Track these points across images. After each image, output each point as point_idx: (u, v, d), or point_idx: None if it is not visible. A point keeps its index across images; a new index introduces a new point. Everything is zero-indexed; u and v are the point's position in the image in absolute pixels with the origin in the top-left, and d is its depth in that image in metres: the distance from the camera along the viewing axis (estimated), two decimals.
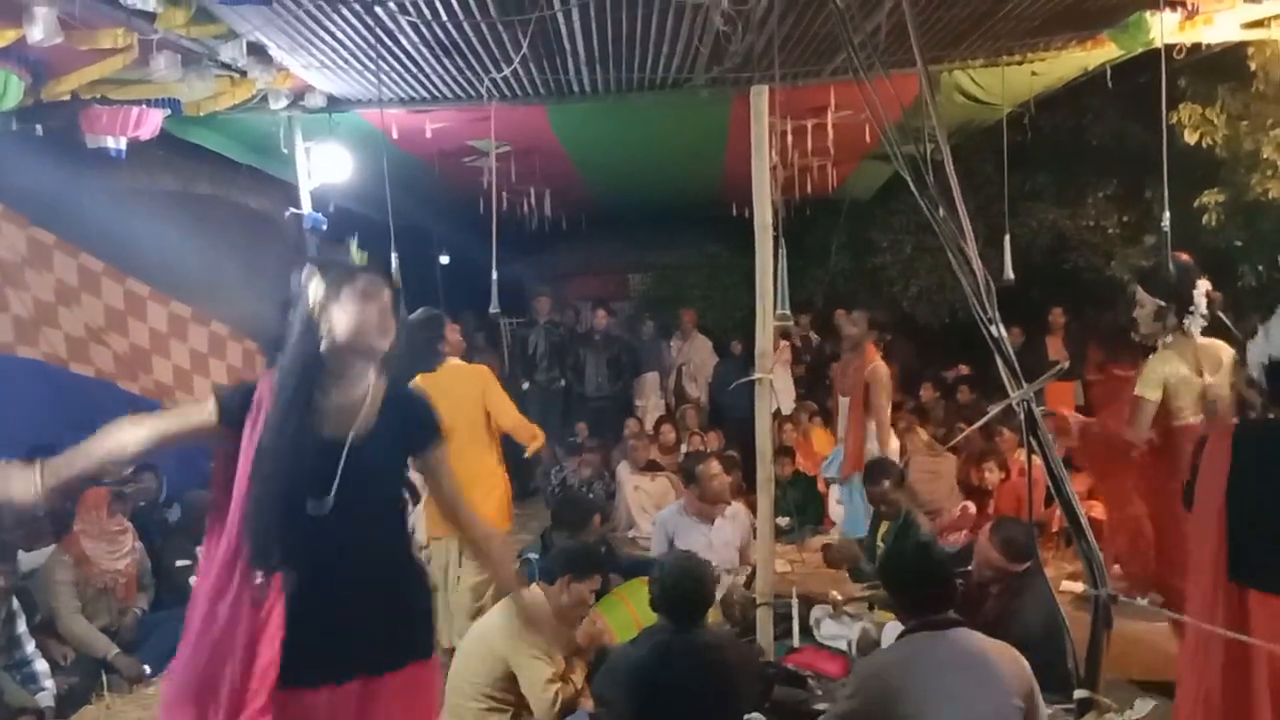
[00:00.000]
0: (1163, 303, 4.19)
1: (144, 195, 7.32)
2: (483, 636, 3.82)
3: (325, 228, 6.29)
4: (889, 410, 6.31)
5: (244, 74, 5.56)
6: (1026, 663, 2.97)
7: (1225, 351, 4.10)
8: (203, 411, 2.37)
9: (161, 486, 6.59)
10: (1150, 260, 7.58)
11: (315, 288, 2.34)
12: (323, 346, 2.32)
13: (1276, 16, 5.57)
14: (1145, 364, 4.24)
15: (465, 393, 4.98)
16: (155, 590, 5.83)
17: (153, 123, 5.70)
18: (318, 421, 2.32)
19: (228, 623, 2.28)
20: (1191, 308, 4.13)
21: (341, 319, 2.31)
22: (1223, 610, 2.67)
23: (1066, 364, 3.95)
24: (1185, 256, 4.38)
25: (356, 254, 2.44)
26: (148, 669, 5.28)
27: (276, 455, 2.24)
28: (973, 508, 6.69)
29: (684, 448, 8.46)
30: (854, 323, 6.32)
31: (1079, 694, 1.90)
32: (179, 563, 5.83)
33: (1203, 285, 4.12)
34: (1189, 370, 4.11)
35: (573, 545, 4.35)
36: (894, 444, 6.36)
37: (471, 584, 4.94)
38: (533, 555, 5.50)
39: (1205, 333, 4.16)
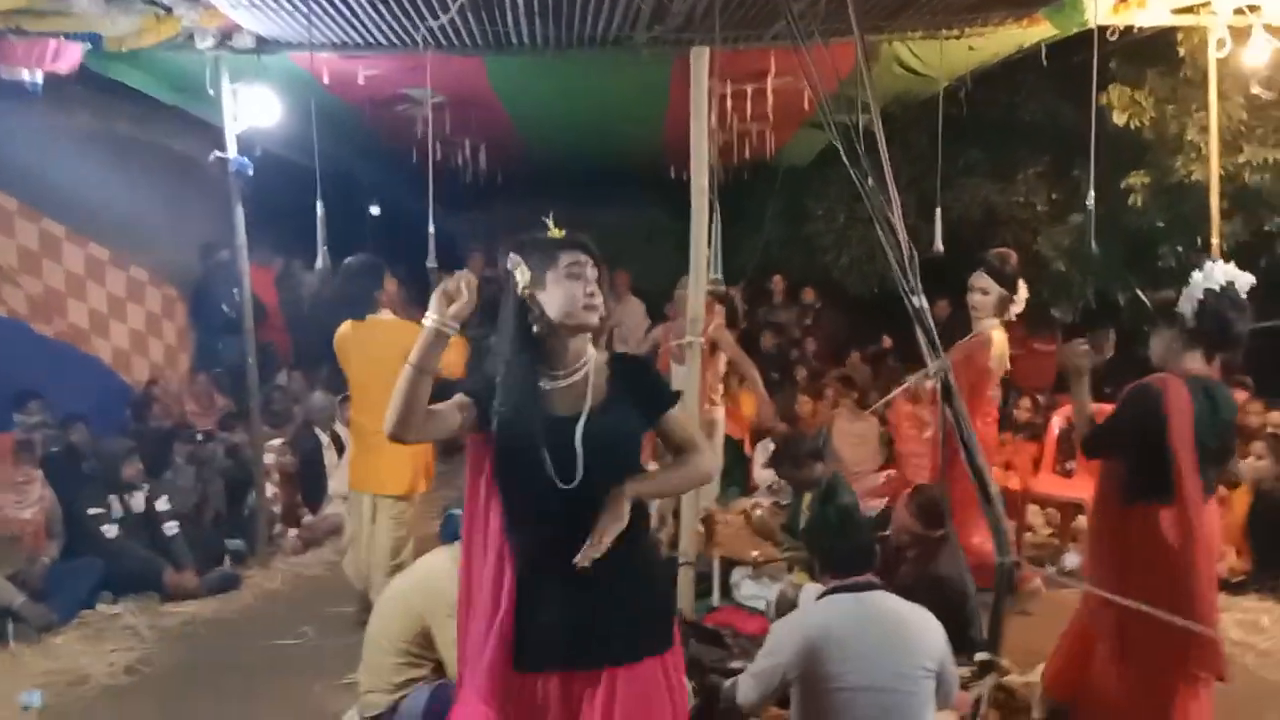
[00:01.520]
0: (1005, 292, 4.93)
1: (61, 132, 7.07)
2: (401, 593, 3.79)
3: (251, 173, 6.11)
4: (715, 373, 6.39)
5: (169, 10, 5.37)
6: (940, 626, 3.05)
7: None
8: (466, 417, 2.35)
9: (87, 437, 6.45)
10: (1073, 238, 7.76)
11: (521, 271, 2.31)
12: (535, 329, 2.31)
13: (1205, 3, 5.69)
14: (994, 343, 4.88)
15: (389, 349, 4.87)
16: (66, 538, 5.70)
17: (71, 57, 5.47)
18: (549, 403, 2.31)
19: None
20: (1016, 297, 4.94)
21: (551, 301, 2.30)
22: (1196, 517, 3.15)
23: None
24: (1015, 255, 5.15)
25: (555, 230, 2.40)
26: (55, 618, 5.19)
27: (516, 442, 2.24)
28: (896, 475, 6.81)
29: None
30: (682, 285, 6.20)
31: (980, 656, 1.95)
32: (91, 511, 5.69)
33: (1022, 282, 4.98)
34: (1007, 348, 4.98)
35: None
36: (720, 410, 6.34)
37: (389, 541, 4.91)
38: (456, 511, 5.46)
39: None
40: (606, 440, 2.29)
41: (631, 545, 2.29)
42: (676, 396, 2.47)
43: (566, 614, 2.27)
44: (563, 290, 2.28)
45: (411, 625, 3.69)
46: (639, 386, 2.42)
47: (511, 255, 2.35)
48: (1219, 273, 3.23)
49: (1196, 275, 3.26)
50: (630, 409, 2.38)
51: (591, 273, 2.34)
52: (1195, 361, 3.28)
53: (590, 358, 2.38)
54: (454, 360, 4.65)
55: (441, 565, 3.76)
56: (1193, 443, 3.16)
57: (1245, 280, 3.25)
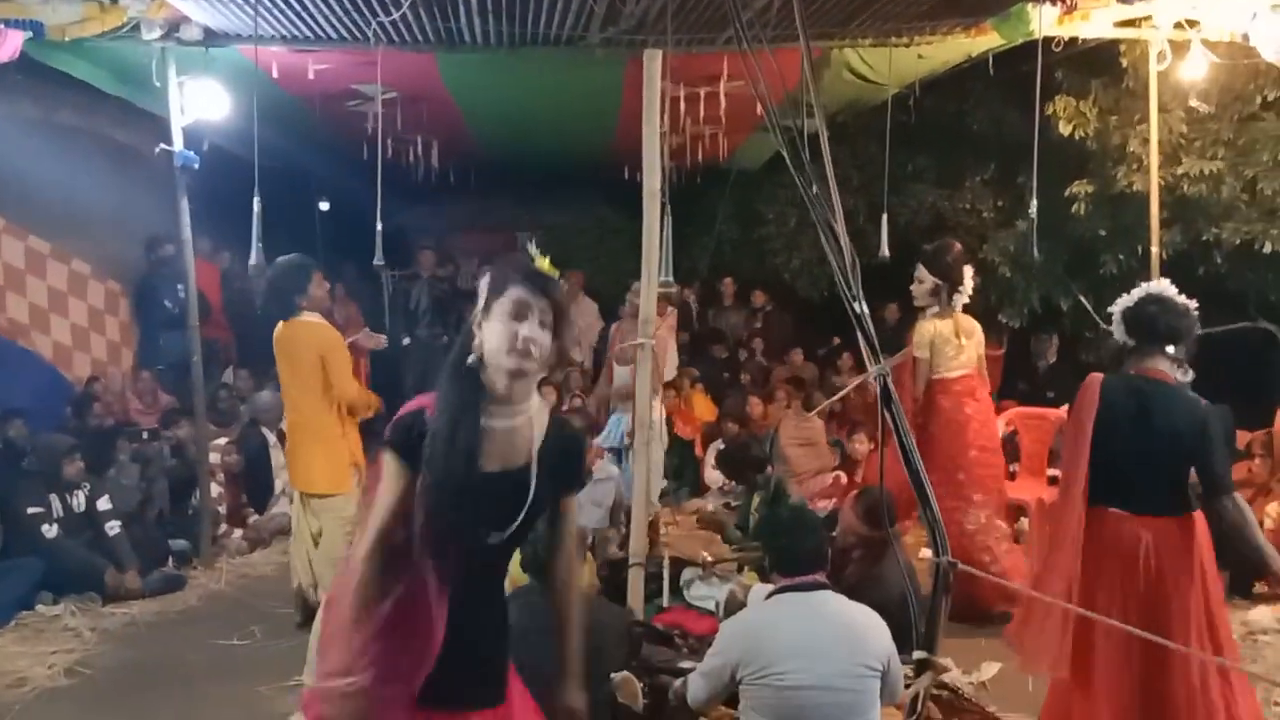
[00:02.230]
0: (939, 280, 5.21)
1: (1, 122, 6.90)
2: None
3: (197, 166, 6.03)
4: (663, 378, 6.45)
5: (115, 0, 5.28)
6: (886, 626, 3.10)
7: (976, 324, 5.36)
8: (401, 478, 2.14)
9: (26, 433, 6.31)
10: (1018, 245, 7.90)
11: (480, 296, 2.13)
12: (470, 362, 2.12)
13: (1147, 17, 5.83)
14: (915, 330, 5.24)
15: (305, 352, 4.93)
16: (4, 538, 5.59)
17: (12, 45, 5.34)
18: (487, 441, 2.12)
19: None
20: (961, 287, 5.24)
21: (488, 335, 2.10)
22: (1082, 526, 3.26)
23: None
24: (958, 245, 5.45)
25: (541, 261, 2.20)
26: None
27: (448, 489, 2.06)
28: (844, 477, 6.90)
29: (565, 409, 8.48)
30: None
31: (917, 654, 2.00)
32: (30, 510, 5.58)
33: (969, 270, 5.28)
34: (950, 334, 5.22)
35: None
36: (659, 411, 6.26)
37: (337, 539, 4.89)
38: None
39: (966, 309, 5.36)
40: (537, 497, 2.19)
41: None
42: (583, 484, 2.44)
43: (473, 655, 2.23)
44: (500, 327, 2.08)
45: None
46: (564, 458, 2.28)
47: (482, 272, 2.23)
48: (1153, 285, 3.47)
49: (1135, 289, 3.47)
50: (552, 473, 2.25)
51: (539, 317, 2.10)
52: (1140, 362, 3.41)
53: (530, 408, 2.21)
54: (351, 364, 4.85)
55: None
56: (1088, 439, 3.29)
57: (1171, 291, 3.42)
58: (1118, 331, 3.43)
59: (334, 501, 5.01)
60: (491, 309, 2.10)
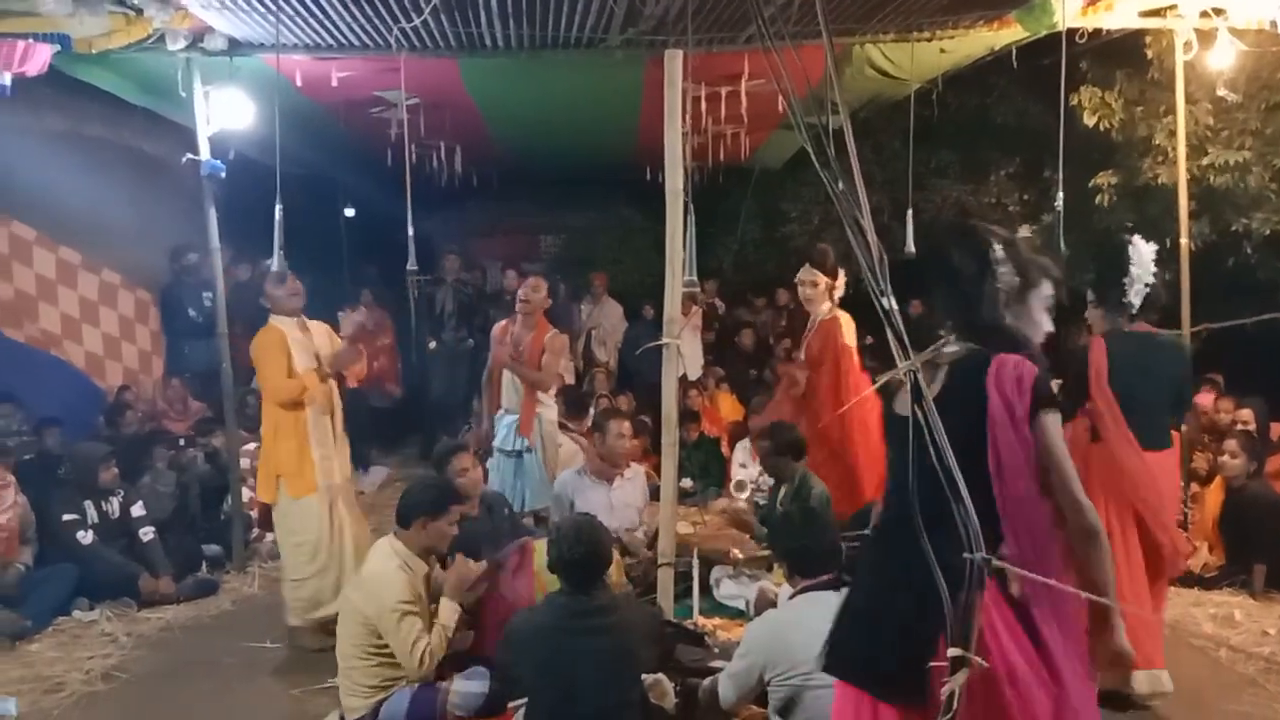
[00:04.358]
0: (829, 280, 5.56)
1: (30, 134, 7.00)
2: (352, 605, 3.82)
3: (224, 175, 6.09)
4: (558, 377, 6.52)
5: (140, 12, 5.34)
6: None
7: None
8: None
9: (61, 441, 6.39)
10: (1044, 238, 7.83)
11: None
12: None
13: (1172, 6, 5.77)
14: (842, 322, 5.54)
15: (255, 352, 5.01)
16: (39, 545, 5.66)
17: (40, 58, 5.42)
18: None
19: None
20: (838, 283, 5.59)
21: None
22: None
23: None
24: (829, 248, 5.85)
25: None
26: (29, 624, 5.15)
27: None
28: None
29: (592, 411, 8.49)
30: (534, 289, 6.13)
31: (951, 652, 1.99)
32: (66, 517, 5.65)
33: (841, 270, 5.61)
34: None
35: (418, 485, 4.23)
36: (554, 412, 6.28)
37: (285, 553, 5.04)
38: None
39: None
40: None
41: None
42: None
43: None
44: None
45: (368, 632, 3.72)
46: None
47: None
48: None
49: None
50: None
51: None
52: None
53: None
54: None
55: (378, 569, 3.79)
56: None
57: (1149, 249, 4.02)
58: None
59: (279, 512, 5.02)
60: None
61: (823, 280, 5.57)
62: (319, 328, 5.19)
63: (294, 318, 5.04)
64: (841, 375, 5.52)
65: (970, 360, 2.27)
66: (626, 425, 5.57)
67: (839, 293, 5.65)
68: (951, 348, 2.32)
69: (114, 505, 5.87)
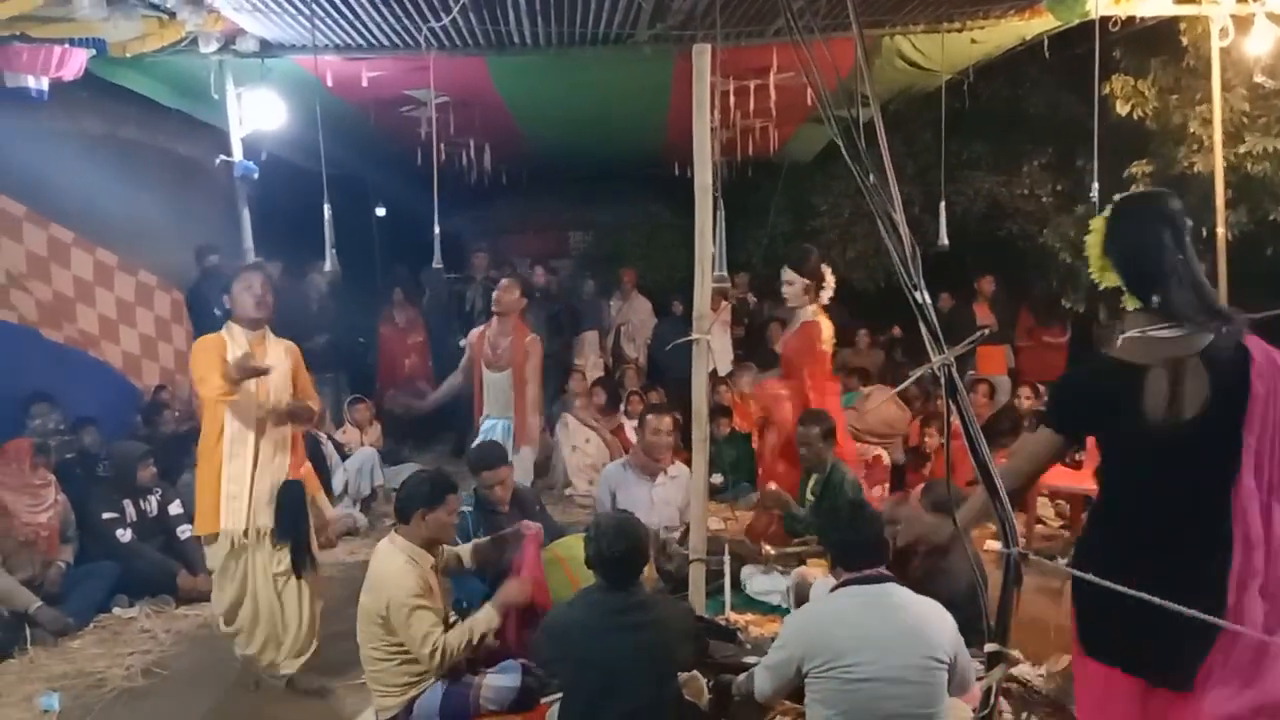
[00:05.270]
0: (808, 281, 5.51)
1: (67, 138, 7.10)
2: (366, 608, 3.81)
3: (257, 176, 6.14)
4: (540, 383, 6.32)
5: (173, 15, 5.40)
6: (952, 619, 3.07)
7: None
8: None
9: (99, 441, 6.47)
10: (1078, 229, 7.75)
11: None
12: None
13: None
14: (822, 327, 5.51)
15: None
16: (80, 543, 5.74)
17: (76, 63, 5.50)
18: None
19: None
20: (825, 284, 5.56)
21: None
22: None
23: (989, 330, 4.12)
24: (813, 248, 5.96)
25: None
26: (71, 621, 5.22)
27: None
28: (887, 458, 6.83)
29: (622, 407, 8.50)
30: (506, 291, 6.09)
31: (989, 647, 1.98)
32: (105, 515, 5.73)
33: (827, 270, 5.58)
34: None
35: (413, 479, 4.12)
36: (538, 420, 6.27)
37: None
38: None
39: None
40: None
41: None
42: None
43: None
44: None
45: (385, 632, 3.72)
46: None
47: None
48: None
49: None
50: None
51: None
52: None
53: None
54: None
55: (385, 569, 3.78)
56: None
57: None
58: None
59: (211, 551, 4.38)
60: None
61: (799, 281, 5.54)
62: (278, 346, 4.48)
63: (255, 331, 4.35)
64: (811, 380, 5.56)
65: (1225, 348, 2.05)
66: (667, 420, 5.52)
67: (827, 293, 5.62)
68: (1163, 332, 2.13)
69: (152, 503, 5.94)
